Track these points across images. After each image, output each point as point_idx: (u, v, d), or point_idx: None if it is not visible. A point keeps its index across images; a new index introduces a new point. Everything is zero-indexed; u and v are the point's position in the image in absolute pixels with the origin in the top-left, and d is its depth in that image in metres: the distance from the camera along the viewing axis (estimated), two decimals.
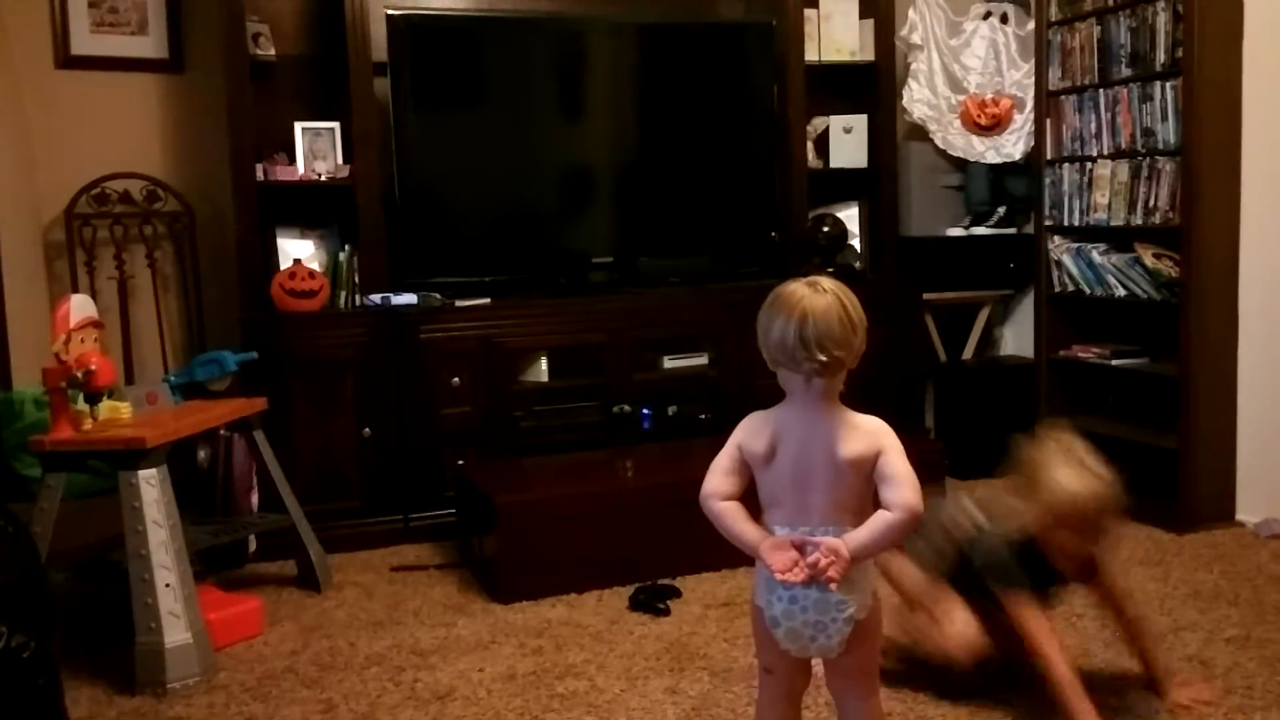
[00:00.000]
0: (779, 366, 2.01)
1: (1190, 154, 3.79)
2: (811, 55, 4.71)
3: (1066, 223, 4.37)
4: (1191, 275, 3.83)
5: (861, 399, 4.70)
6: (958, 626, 2.56)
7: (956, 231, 4.92)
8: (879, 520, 1.92)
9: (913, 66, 4.90)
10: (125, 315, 4.19)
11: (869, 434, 1.98)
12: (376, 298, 4.03)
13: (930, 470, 3.94)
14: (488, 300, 4.19)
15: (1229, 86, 3.81)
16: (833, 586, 1.89)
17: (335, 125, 4.20)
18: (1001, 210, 4.91)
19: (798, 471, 1.98)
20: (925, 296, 4.89)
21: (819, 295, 1.95)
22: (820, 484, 1.96)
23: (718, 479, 2.02)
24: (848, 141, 4.83)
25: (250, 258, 4.03)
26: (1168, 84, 3.89)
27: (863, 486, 1.97)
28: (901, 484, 1.92)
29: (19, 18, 4.08)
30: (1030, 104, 4.71)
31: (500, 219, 4.35)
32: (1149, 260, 3.98)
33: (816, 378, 1.95)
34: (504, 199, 4.34)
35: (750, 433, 2.03)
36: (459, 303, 4.12)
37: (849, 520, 1.96)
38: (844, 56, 4.80)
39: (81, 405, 2.95)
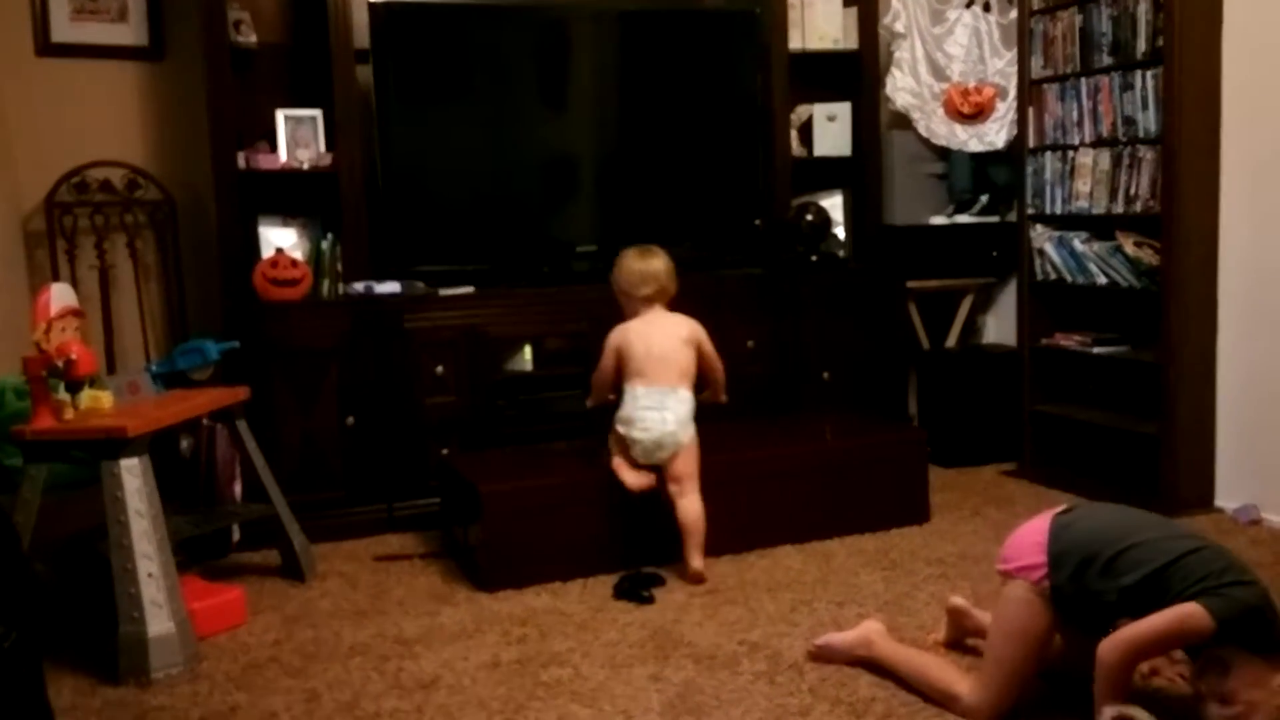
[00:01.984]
0: (625, 297, 3.55)
1: (1171, 142, 3.80)
2: (795, 43, 4.71)
3: (1048, 211, 4.39)
4: (1171, 263, 3.85)
5: (846, 386, 4.78)
6: (986, 698, 2.42)
7: (939, 220, 4.93)
8: (719, 380, 3.64)
9: (896, 55, 4.90)
10: (106, 304, 4.17)
11: (691, 326, 3.53)
12: (359, 286, 4.02)
13: (913, 458, 3.96)
14: (471, 289, 4.18)
15: (1209, 75, 3.83)
16: None
17: (317, 113, 4.17)
18: (984, 198, 4.92)
19: (657, 353, 3.45)
20: (908, 284, 4.91)
21: (653, 256, 3.53)
22: (670, 359, 3.45)
23: (611, 372, 3.55)
24: (831, 130, 4.84)
25: (232, 246, 4.01)
26: (1148, 73, 3.90)
27: (691, 358, 3.49)
28: (716, 357, 3.58)
29: None
30: (1013, 92, 4.71)
31: (484, 207, 4.34)
32: (1130, 248, 4.00)
33: (654, 299, 3.50)
34: (487, 187, 4.33)
35: (631, 339, 3.49)
36: (442, 291, 4.12)
37: (685, 383, 3.47)
38: (827, 45, 4.80)
39: (63, 395, 2.94)
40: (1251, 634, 2.17)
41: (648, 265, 3.50)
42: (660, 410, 3.41)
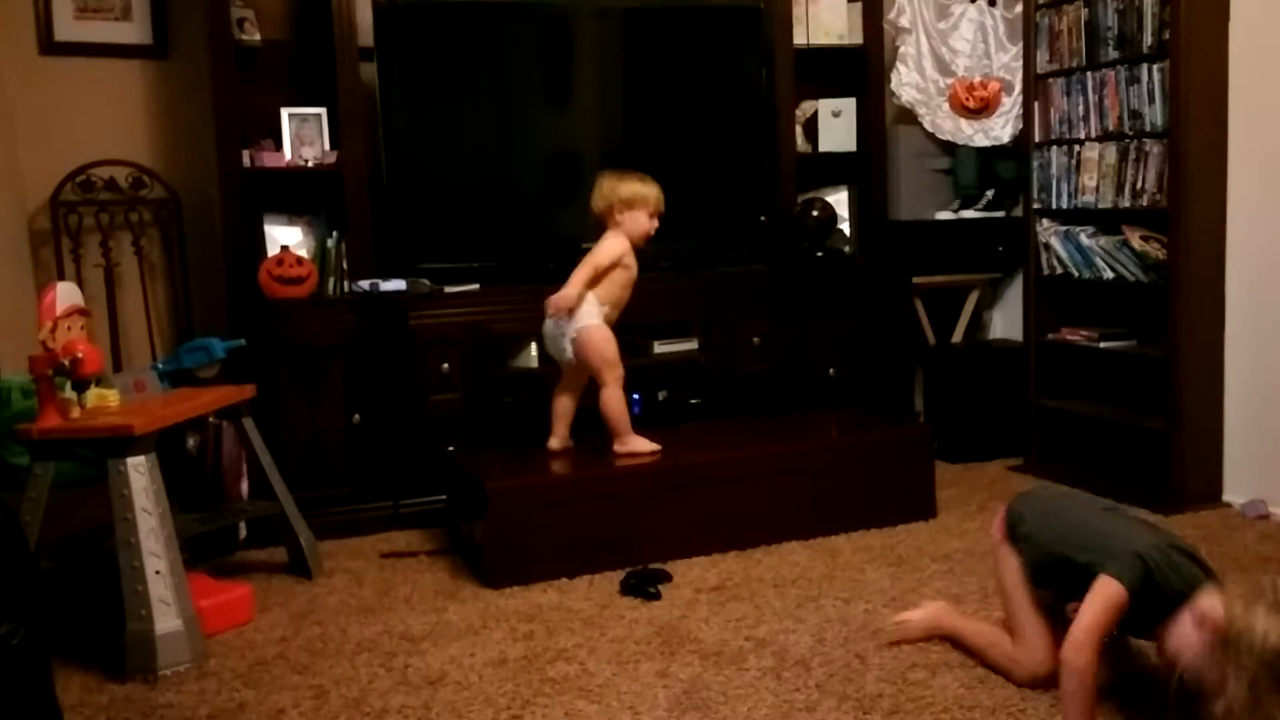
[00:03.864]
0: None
1: (1177, 136, 3.79)
2: (800, 39, 4.70)
3: (1055, 205, 4.38)
4: (1179, 257, 3.84)
5: (852, 382, 4.79)
6: (1030, 649, 2.53)
7: (945, 215, 4.93)
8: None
9: (901, 50, 4.89)
10: (112, 303, 4.18)
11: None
12: (365, 284, 4.02)
13: (919, 454, 3.96)
14: (477, 286, 4.18)
15: (1216, 69, 3.81)
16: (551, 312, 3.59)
17: (322, 111, 4.18)
18: (990, 193, 4.91)
19: None
20: (914, 280, 4.90)
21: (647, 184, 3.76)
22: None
23: None
24: (836, 125, 4.83)
25: (237, 244, 4.01)
26: (1155, 66, 3.89)
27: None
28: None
29: (1, 4, 4.06)
30: (1018, 87, 4.71)
31: (489, 204, 4.34)
32: (1137, 243, 3.99)
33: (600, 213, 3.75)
34: (492, 184, 4.33)
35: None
36: (448, 289, 4.12)
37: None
38: (832, 40, 4.79)
39: (69, 393, 2.94)
40: (1158, 587, 2.21)
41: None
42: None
